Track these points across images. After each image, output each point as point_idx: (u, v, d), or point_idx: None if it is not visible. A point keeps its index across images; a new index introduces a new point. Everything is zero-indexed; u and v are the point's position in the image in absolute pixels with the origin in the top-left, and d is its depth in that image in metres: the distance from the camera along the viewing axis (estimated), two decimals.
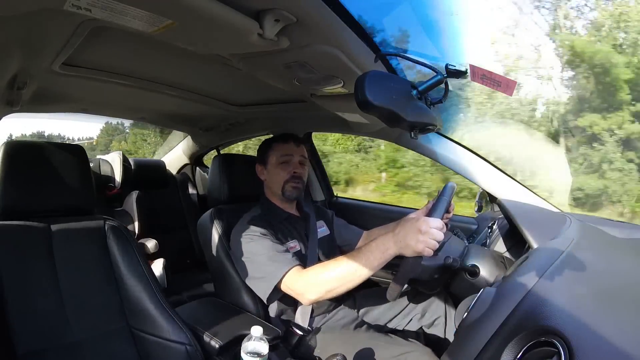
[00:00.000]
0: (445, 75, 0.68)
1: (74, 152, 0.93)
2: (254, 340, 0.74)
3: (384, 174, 7.50)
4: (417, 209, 1.09)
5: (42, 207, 0.87)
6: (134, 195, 1.97)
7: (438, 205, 0.82)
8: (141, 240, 1.76)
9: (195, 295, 1.65)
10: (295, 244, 1.11)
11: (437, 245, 0.76)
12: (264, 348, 0.74)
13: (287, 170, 1.13)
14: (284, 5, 0.58)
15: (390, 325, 1.14)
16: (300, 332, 1.04)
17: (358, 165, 8.06)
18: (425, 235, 0.75)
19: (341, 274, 0.85)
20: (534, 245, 0.82)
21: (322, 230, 1.23)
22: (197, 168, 2.37)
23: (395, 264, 0.81)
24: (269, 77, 0.95)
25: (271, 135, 1.29)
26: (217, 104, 1.40)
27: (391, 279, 0.86)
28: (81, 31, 0.72)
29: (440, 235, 0.76)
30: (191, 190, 2.29)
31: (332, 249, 1.23)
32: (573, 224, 0.90)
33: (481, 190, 1.35)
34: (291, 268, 0.95)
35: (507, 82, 0.67)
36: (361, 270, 0.83)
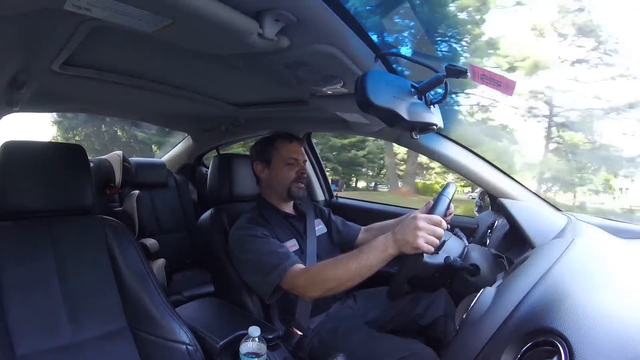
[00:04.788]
0: (445, 75, 0.68)
1: (74, 152, 0.93)
2: (251, 340, 0.74)
3: None
4: (417, 209, 1.09)
5: (42, 207, 0.87)
6: (134, 195, 1.97)
7: (438, 203, 0.82)
8: (141, 240, 1.75)
9: (195, 295, 1.66)
10: (293, 243, 1.11)
11: (437, 242, 0.76)
12: (261, 348, 0.74)
13: (294, 170, 1.14)
14: (284, 5, 0.58)
15: (390, 325, 1.14)
16: (300, 332, 1.04)
17: None
18: (422, 231, 0.75)
19: (342, 273, 0.86)
20: (534, 245, 0.82)
21: (320, 228, 1.24)
22: (197, 168, 2.37)
23: (397, 264, 0.82)
24: (269, 77, 0.95)
25: (264, 135, 1.28)
26: (217, 104, 1.40)
27: (392, 279, 0.86)
28: (81, 31, 0.72)
29: (440, 231, 0.76)
30: (191, 190, 2.29)
31: (330, 247, 1.23)
32: (573, 223, 0.90)
33: (481, 190, 1.35)
34: (292, 267, 0.95)
35: (507, 82, 0.67)
36: (361, 269, 0.83)
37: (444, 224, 0.78)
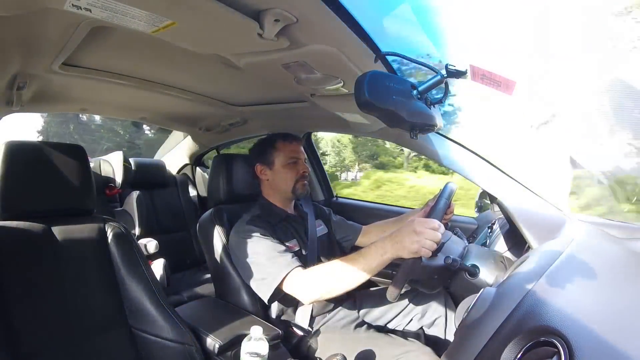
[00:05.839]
0: (445, 75, 0.68)
1: (75, 152, 0.93)
2: (253, 340, 0.74)
3: None
4: (416, 209, 1.09)
5: (42, 208, 0.87)
6: (134, 195, 1.97)
7: (436, 206, 0.82)
8: (141, 241, 1.76)
9: (195, 295, 1.66)
10: (294, 244, 1.11)
11: (434, 246, 0.75)
12: (263, 348, 0.74)
13: (296, 170, 1.15)
14: (284, 5, 0.58)
15: (390, 325, 1.14)
16: (300, 332, 1.04)
17: None
18: (420, 236, 0.75)
19: (340, 276, 0.86)
20: (534, 245, 0.82)
21: (321, 229, 1.24)
22: (197, 168, 2.37)
23: (397, 264, 0.82)
24: (269, 77, 0.95)
25: (264, 135, 1.28)
26: (217, 104, 1.40)
27: (391, 279, 0.86)
28: (81, 31, 0.72)
29: (437, 236, 0.76)
30: (191, 190, 2.29)
31: (332, 247, 1.23)
32: (573, 224, 0.90)
33: (481, 190, 1.35)
34: (292, 270, 0.95)
35: (507, 82, 0.67)
36: (360, 273, 0.83)
37: (442, 228, 0.77)
